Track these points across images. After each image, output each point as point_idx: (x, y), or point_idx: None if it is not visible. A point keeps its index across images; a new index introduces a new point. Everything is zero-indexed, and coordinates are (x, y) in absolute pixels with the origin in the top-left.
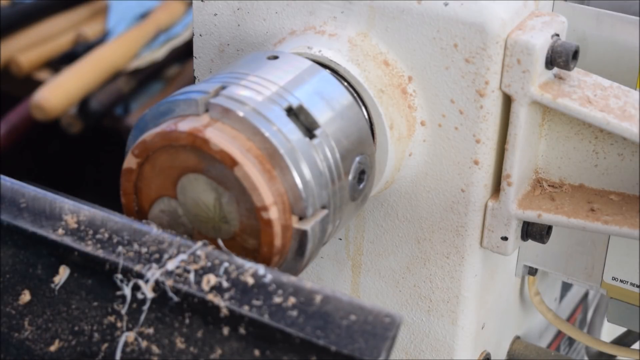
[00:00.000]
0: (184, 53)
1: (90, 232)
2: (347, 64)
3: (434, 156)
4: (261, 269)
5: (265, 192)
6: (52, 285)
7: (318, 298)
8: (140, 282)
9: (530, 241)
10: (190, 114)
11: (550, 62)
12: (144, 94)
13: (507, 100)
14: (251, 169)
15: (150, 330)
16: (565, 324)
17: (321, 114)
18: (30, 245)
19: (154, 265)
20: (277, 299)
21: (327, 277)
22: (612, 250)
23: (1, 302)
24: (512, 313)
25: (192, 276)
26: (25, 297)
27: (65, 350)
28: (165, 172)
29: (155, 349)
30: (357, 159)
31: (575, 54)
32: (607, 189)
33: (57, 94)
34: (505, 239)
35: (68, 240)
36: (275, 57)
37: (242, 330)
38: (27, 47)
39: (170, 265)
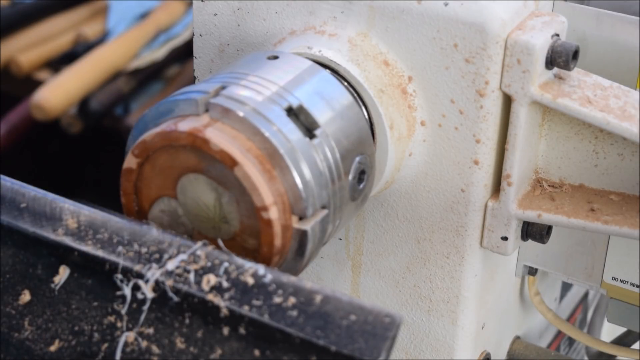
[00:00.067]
0: (184, 53)
1: (91, 233)
2: (347, 64)
3: (434, 156)
4: (261, 269)
5: (265, 192)
6: (52, 285)
7: (318, 298)
8: (140, 282)
9: (530, 241)
10: (190, 114)
11: (550, 62)
12: (144, 94)
13: (507, 100)
14: (251, 169)
15: (150, 330)
16: (565, 324)
17: (321, 114)
18: (31, 245)
19: (154, 265)
20: (277, 299)
21: (327, 277)
22: (612, 250)
23: (1, 302)
24: (512, 313)
25: (192, 276)
26: (25, 297)
27: (65, 350)
28: (165, 172)
29: (155, 349)
30: (357, 159)
31: (575, 54)
32: (607, 189)
33: (57, 94)
34: (505, 239)
35: (68, 241)
36: (275, 57)
37: (242, 330)
38: (27, 47)
39: (170, 265)
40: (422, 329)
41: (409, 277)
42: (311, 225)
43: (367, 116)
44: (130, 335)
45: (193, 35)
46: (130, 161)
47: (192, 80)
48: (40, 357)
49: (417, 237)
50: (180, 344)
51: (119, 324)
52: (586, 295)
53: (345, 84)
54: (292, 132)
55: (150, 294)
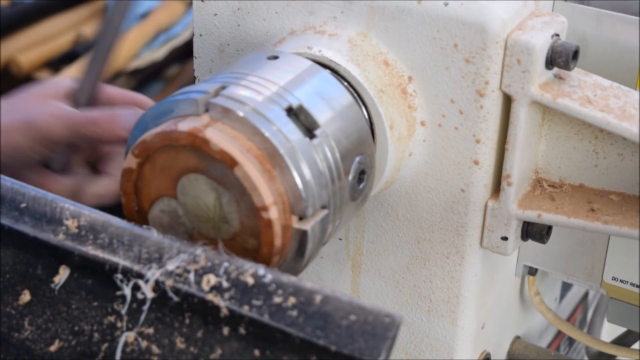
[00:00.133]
0: (184, 53)
1: (91, 235)
2: (347, 64)
3: (434, 156)
4: (261, 269)
5: (265, 192)
6: (52, 285)
7: (318, 298)
8: (140, 282)
9: (530, 241)
10: (190, 114)
11: (550, 62)
12: (144, 94)
13: (507, 100)
14: (251, 169)
15: (150, 330)
16: (565, 324)
17: (321, 114)
18: (31, 246)
19: (154, 265)
20: (277, 299)
21: (327, 277)
22: (612, 250)
23: (1, 302)
24: (512, 313)
25: (192, 276)
26: (25, 297)
27: (65, 350)
28: (166, 172)
29: (155, 349)
30: (357, 159)
31: (575, 54)
32: (607, 189)
33: None
34: (505, 239)
35: (69, 243)
36: (275, 57)
37: (242, 330)
38: (27, 47)
39: (170, 265)
40: (422, 329)
41: (409, 277)
42: (311, 225)
43: (367, 116)
44: (130, 335)
45: (193, 35)
46: (130, 161)
47: (192, 80)
48: (40, 357)
49: (417, 237)
50: (180, 344)
51: (119, 324)
52: (586, 295)
53: (345, 84)
54: (292, 132)
55: (150, 294)
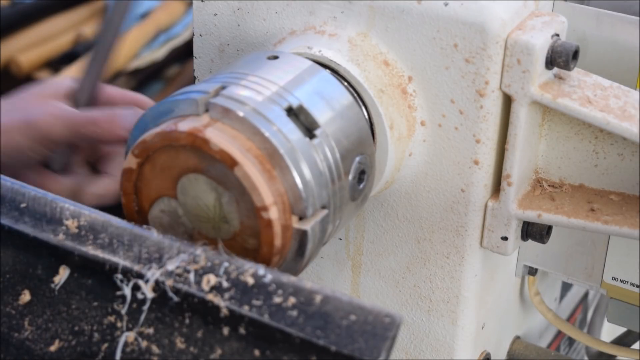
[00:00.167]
0: (184, 53)
1: (91, 235)
2: (347, 64)
3: (434, 156)
4: (261, 269)
5: (265, 192)
6: (52, 285)
7: (318, 298)
8: (140, 282)
9: (530, 241)
10: (190, 114)
11: (550, 62)
12: (144, 94)
13: (507, 100)
14: (251, 169)
15: (150, 330)
16: (565, 324)
17: (321, 114)
18: (31, 246)
19: (154, 265)
20: (277, 299)
21: (327, 277)
22: (612, 250)
23: (1, 302)
24: (512, 313)
25: (192, 276)
26: (25, 297)
27: (65, 350)
28: (166, 172)
29: (155, 349)
30: (357, 159)
31: (575, 54)
32: (607, 189)
33: None
34: (505, 239)
35: (69, 244)
36: (275, 57)
37: (242, 330)
38: (27, 47)
39: (170, 265)
40: (422, 329)
41: (409, 277)
42: (311, 225)
43: (367, 116)
44: (130, 335)
45: (193, 35)
46: (130, 161)
47: (192, 80)
48: (40, 357)
49: (417, 237)
50: (180, 344)
51: (119, 324)
52: (586, 295)
53: (345, 84)
54: (292, 132)
55: (150, 294)
